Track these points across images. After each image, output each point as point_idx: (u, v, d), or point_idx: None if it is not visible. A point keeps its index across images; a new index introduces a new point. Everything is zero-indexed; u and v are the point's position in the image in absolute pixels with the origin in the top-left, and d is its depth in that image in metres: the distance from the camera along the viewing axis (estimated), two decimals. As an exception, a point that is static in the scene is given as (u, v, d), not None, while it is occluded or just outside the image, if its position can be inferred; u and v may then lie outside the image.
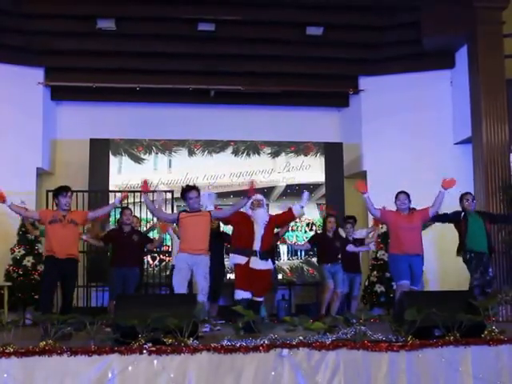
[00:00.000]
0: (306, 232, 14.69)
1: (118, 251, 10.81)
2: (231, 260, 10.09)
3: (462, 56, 14.46)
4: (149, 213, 12.65)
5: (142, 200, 10.09)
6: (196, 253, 9.24)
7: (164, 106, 15.17)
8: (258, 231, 9.95)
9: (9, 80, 14.15)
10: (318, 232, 13.08)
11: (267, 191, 14.66)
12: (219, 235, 10.57)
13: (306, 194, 10.26)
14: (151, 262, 13.53)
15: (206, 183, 14.52)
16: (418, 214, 10.23)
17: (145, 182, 9.43)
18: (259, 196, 10.40)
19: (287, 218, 10.53)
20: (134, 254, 10.76)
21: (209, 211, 9.69)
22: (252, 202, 10.07)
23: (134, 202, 13.43)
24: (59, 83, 14.78)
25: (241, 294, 9.70)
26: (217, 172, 14.91)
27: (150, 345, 6.89)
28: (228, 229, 11.19)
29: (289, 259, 14.64)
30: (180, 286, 9.21)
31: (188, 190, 9.50)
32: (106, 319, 7.49)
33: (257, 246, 9.90)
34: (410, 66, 14.94)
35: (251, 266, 9.77)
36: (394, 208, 10.34)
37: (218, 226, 10.89)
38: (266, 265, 9.99)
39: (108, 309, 10.51)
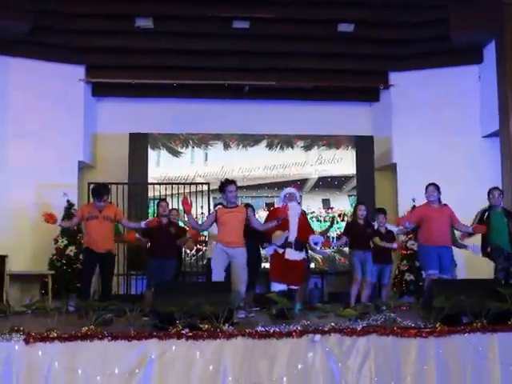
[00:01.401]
0: (337, 223, 14.47)
1: (155, 242, 10.70)
2: (268, 250, 10.17)
3: (490, 51, 14.30)
4: None
5: (186, 219, 10.14)
6: (233, 246, 9.28)
7: (200, 101, 15.11)
8: (292, 223, 9.99)
9: (52, 77, 14.16)
10: (349, 221, 12.91)
11: (300, 183, 14.60)
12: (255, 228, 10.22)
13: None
14: (188, 251, 13.34)
15: (240, 176, 14.49)
16: (449, 211, 10.14)
17: (184, 201, 9.37)
18: (292, 189, 10.47)
19: (306, 230, 10.41)
20: (171, 245, 10.67)
21: (245, 206, 9.81)
22: (285, 196, 10.21)
23: (171, 194, 13.46)
24: (100, 80, 14.81)
25: (277, 287, 9.77)
26: (251, 165, 14.83)
27: (187, 330, 6.93)
28: (262, 218, 11.21)
29: (321, 249, 14.30)
30: (218, 275, 9.24)
31: (227, 184, 9.49)
32: (143, 308, 7.59)
33: (292, 237, 9.98)
34: (438, 61, 14.79)
35: (286, 256, 9.84)
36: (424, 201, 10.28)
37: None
38: (300, 255, 10.04)
39: (145, 298, 10.46)
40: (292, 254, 9.92)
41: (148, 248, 10.80)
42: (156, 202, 11.81)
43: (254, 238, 10.16)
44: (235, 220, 9.36)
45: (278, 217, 9.49)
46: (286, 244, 9.92)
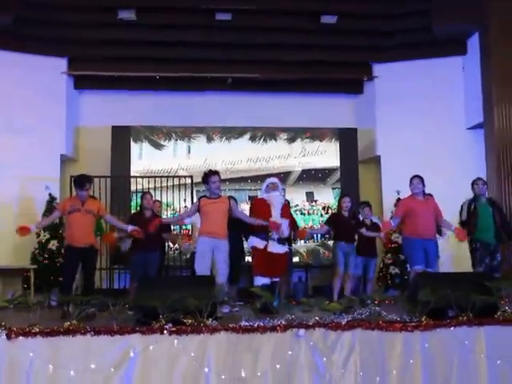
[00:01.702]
0: (322, 216, 14.44)
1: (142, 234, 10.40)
2: (250, 243, 10.03)
3: (473, 43, 14.23)
4: (170, 197, 13.14)
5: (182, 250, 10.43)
6: (216, 237, 9.16)
7: (183, 93, 15.00)
8: (275, 215, 9.85)
9: (34, 69, 14.01)
10: (334, 212, 12.56)
11: (283, 176, 14.45)
12: (237, 220, 10.14)
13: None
14: (172, 245, 13.24)
15: (224, 169, 14.33)
16: (433, 203, 10.09)
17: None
18: (274, 179, 10.33)
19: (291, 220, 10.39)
20: (154, 238, 10.52)
21: (228, 198, 9.61)
22: (267, 185, 10.09)
23: (154, 187, 13.35)
24: (82, 72, 14.66)
25: (260, 280, 9.67)
26: (234, 158, 14.71)
27: (170, 325, 6.87)
28: (245, 212, 11.16)
29: (305, 242, 14.39)
30: (202, 268, 9.15)
31: (210, 175, 9.41)
32: (127, 302, 7.51)
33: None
34: (422, 52, 14.70)
35: (269, 249, 9.73)
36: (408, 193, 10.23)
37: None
38: (283, 248, 9.94)
39: (129, 292, 10.42)
40: (275, 247, 9.81)
41: (131, 241, 10.68)
42: (139, 195, 11.75)
43: (237, 230, 10.06)
44: (218, 210, 9.27)
45: (263, 212, 9.53)
46: (268, 236, 9.82)
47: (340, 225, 11.25)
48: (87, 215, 9.55)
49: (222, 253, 9.15)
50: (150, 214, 10.77)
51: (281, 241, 9.87)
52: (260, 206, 9.98)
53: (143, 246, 10.35)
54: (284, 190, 12.50)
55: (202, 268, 9.11)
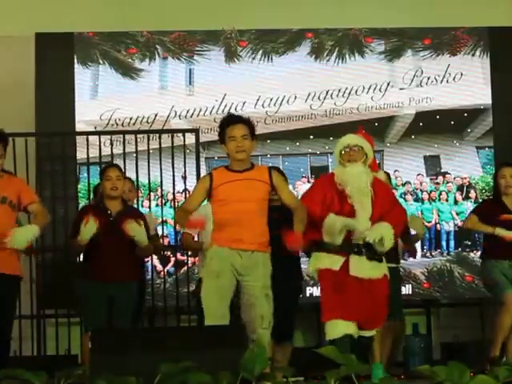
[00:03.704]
0: (457, 203, 9.94)
1: (97, 251, 7.47)
2: (311, 263, 6.89)
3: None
4: (154, 171, 9.60)
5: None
6: (246, 248, 6.18)
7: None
8: (362, 206, 6.68)
9: None
10: (486, 199, 9.27)
11: (379, 125, 9.94)
12: (289, 215, 6.68)
13: None
14: (160, 267, 9.48)
15: (260, 112, 9.83)
16: None
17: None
18: (356, 138, 7.08)
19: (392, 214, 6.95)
20: (125, 255, 7.36)
21: (269, 170, 6.62)
22: (341, 153, 6.92)
23: (124, 153, 9.34)
24: None
25: (337, 328, 6.53)
26: (281, 92, 10.05)
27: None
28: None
29: (425, 255, 10.06)
30: (216, 307, 6.26)
31: (231, 124, 6.46)
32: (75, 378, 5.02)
33: (359, 235, 6.61)
34: None
35: (351, 272, 6.53)
36: None
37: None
38: (381, 268, 6.72)
39: (82, 354, 7.82)
40: (362, 267, 6.53)
41: (81, 264, 7.94)
42: (95, 170, 9.13)
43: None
44: (249, 195, 6.36)
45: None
46: (347, 247, 6.52)
47: (495, 222, 7.97)
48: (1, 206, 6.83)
49: (260, 277, 6.37)
50: (120, 209, 7.62)
51: (372, 254, 6.53)
52: (325, 191, 6.74)
53: (106, 270, 7.39)
54: (381, 153, 9.35)
55: (217, 308, 6.30)
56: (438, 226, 9.79)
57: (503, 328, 7.83)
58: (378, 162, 8.45)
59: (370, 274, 6.66)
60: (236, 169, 6.44)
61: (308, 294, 9.36)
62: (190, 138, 9.50)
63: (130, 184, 8.25)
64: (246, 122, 6.49)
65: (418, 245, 9.87)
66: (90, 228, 7.33)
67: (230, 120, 6.61)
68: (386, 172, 8.06)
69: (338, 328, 6.65)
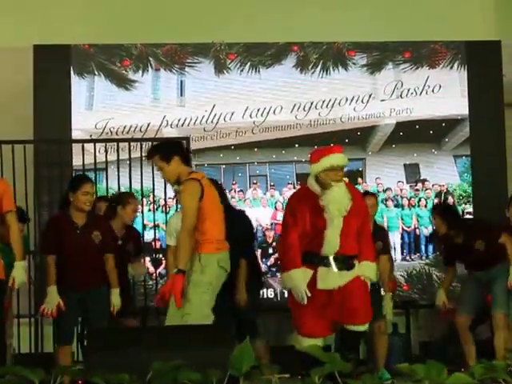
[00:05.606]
0: (435, 209, 9.46)
1: (66, 263, 7.50)
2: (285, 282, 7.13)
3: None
4: (147, 179, 9.78)
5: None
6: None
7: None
8: (335, 224, 6.71)
9: None
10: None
11: (361, 135, 10.34)
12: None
13: None
14: (152, 269, 9.72)
15: (248, 122, 10.21)
16: None
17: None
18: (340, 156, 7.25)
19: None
20: (94, 263, 7.47)
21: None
22: (326, 169, 6.88)
23: (118, 160, 9.75)
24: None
25: (304, 342, 6.64)
26: (268, 102, 10.40)
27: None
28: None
29: (405, 259, 10.41)
30: (209, 312, 6.53)
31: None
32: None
33: (328, 248, 6.73)
34: None
35: (319, 286, 6.64)
36: None
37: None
38: (350, 274, 6.81)
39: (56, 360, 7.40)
40: (332, 279, 6.66)
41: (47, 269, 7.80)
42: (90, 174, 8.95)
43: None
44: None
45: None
46: (315, 260, 6.66)
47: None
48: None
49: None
50: (85, 221, 7.65)
51: (341, 265, 6.62)
52: (301, 205, 6.82)
53: (77, 277, 7.49)
54: (363, 161, 9.57)
55: (206, 308, 6.56)
56: (417, 230, 10.10)
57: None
58: (360, 169, 9.08)
59: (338, 283, 6.73)
60: None
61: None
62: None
63: (134, 205, 8.34)
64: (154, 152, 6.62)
65: (397, 248, 10.47)
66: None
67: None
68: (373, 194, 8.38)
69: (305, 343, 6.72)
